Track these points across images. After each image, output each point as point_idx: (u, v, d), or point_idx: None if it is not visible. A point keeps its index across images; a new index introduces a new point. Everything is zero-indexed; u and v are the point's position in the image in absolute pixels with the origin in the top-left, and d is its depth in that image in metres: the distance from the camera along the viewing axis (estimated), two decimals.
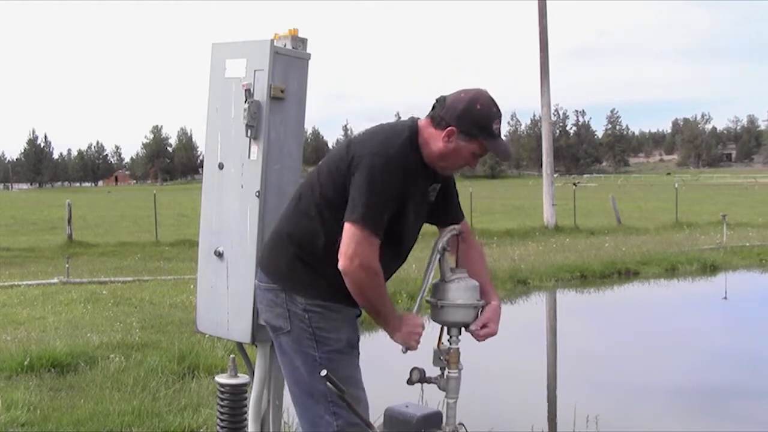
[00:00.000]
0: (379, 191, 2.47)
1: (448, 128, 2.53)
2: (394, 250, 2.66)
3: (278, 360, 2.75)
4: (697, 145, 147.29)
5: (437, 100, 2.60)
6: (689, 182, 72.83)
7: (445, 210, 2.82)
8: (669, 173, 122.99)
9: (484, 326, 2.67)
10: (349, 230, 2.46)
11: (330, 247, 2.54)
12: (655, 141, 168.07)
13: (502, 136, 2.64)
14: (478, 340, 2.68)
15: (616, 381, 6.74)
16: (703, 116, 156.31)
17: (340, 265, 2.47)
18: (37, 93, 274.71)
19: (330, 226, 2.54)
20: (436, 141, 2.56)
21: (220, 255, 3.25)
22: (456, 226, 2.75)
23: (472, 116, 2.51)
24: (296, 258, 2.61)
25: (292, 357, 2.62)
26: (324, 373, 2.38)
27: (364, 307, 2.60)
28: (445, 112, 2.55)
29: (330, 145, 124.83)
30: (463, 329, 2.68)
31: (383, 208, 2.48)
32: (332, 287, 2.57)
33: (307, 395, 2.60)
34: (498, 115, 2.56)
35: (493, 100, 2.58)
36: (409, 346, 2.60)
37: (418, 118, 2.66)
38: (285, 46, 3.19)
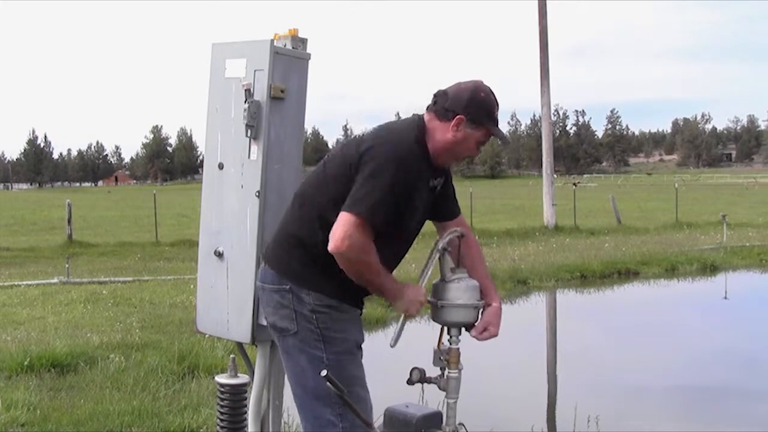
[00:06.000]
0: (381, 188, 2.48)
1: (457, 117, 2.59)
2: (399, 246, 2.70)
3: (282, 362, 2.75)
4: (697, 145, 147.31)
5: (437, 95, 2.67)
6: (689, 182, 72.77)
7: (442, 205, 2.84)
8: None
9: (484, 330, 2.69)
10: (343, 216, 2.47)
11: None
12: (655, 141, 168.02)
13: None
14: (479, 340, 2.71)
15: (617, 381, 6.74)
16: (703, 116, 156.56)
17: (330, 246, 2.47)
18: (37, 93, 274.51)
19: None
20: (443, 132, 2.62)
21: (220, 255, 3.25)
22: (458, 229, 2.75)
23: (478, 104, 2.61)
24: (306, 258, 2.62)
25: (298, 358, 2.62)
26: (324, 373, 2.38)
27: (362, 283, 2.58)
28: (450, 103, 2.61)
29: (330, 145, 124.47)
30: (463, 329, 2.69)
31: (383, 203, 2.49)
32: (342, 287, 2.59)
33: (312, 397, 2.59)
34: (498, 103, 2.68)
35: (491, 89, 2.69)
36: (409, 312, 2.62)
37: (422, 115, 2.70)
38: (285, 46, 3.19)
